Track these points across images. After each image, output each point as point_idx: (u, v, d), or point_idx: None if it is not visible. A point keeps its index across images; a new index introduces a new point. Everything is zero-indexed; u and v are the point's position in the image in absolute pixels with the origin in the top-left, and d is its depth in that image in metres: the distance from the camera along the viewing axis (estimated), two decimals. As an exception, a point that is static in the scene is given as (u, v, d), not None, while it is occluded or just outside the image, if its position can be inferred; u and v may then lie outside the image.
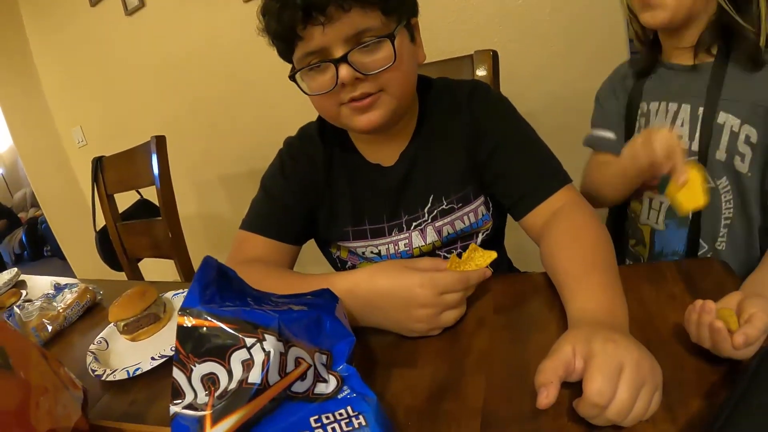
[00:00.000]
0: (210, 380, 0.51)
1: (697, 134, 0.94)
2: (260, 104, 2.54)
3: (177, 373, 0.52)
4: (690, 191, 0.79)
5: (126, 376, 0.81)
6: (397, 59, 0.78)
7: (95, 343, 0.95)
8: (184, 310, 0.52)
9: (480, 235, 0.98)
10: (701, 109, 0.93)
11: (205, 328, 0.51)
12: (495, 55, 1.24)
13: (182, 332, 0.52)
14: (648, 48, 1.04)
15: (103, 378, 0.82)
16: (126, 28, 2.80)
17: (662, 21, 0.91)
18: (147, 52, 2.79)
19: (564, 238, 0.77)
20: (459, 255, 0.76)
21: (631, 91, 1.07)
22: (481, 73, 1.22)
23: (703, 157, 0.93)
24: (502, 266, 1.08)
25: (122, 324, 0.95)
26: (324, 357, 0.58)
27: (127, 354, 0.92)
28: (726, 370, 0.55)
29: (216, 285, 0.56)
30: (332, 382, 0.56)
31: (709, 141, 0.93)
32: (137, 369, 0.82)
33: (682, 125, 0.96)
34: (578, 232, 0.78)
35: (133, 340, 0.96)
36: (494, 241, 1.02)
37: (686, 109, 0.96)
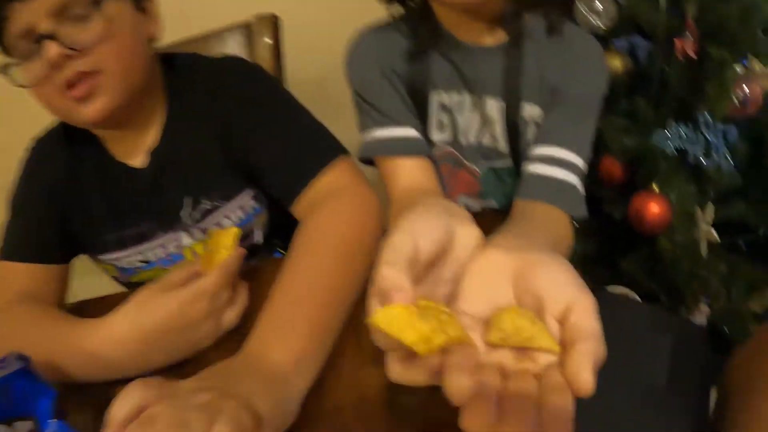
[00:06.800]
0: None
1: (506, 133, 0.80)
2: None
3: None
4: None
5: None
6: (114, 30, 0.71)
7: None
8: None
9: (258, 229, 0.90)
10: (504, 104, 0.78)
11: None
12: (276, 21, 1.13)
13: None
14: (425, 21, 0.80)
15: None
16: None
17: None
18: None
19: (297, 251, 0.65)
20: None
21: (414, 75, 0.81)
22: (264, 41, 1.11)
23: (516, 158, 0.81)
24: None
25: None
26: (28, 425, 0.50)
27: None
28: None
29: None
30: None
31: (518, 139, 0.79)
32: None
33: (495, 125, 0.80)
34: (320, 240, 0.67)
35: None
36: (287, 233, 0.94)
37: (493, 105, 0.79)
